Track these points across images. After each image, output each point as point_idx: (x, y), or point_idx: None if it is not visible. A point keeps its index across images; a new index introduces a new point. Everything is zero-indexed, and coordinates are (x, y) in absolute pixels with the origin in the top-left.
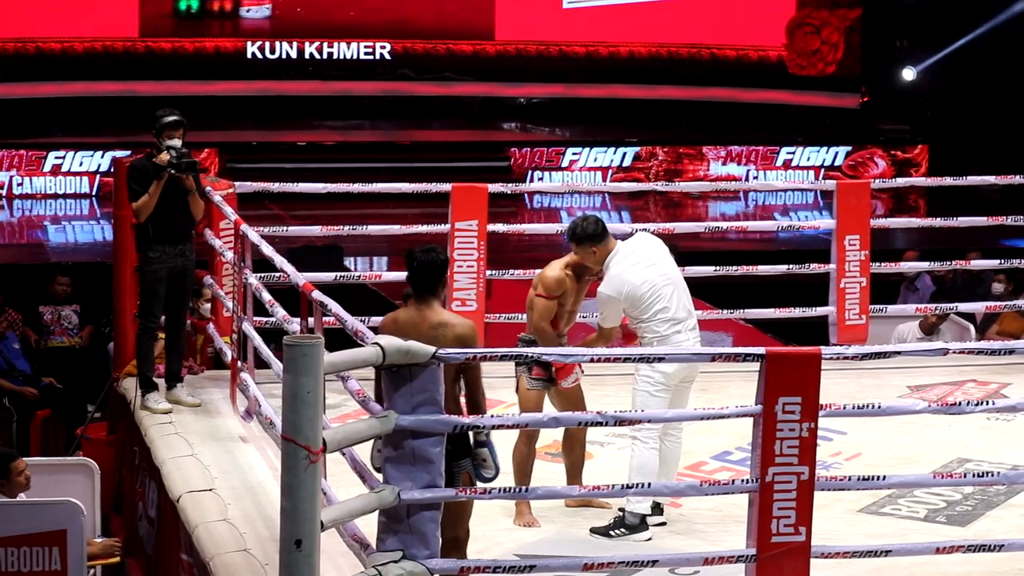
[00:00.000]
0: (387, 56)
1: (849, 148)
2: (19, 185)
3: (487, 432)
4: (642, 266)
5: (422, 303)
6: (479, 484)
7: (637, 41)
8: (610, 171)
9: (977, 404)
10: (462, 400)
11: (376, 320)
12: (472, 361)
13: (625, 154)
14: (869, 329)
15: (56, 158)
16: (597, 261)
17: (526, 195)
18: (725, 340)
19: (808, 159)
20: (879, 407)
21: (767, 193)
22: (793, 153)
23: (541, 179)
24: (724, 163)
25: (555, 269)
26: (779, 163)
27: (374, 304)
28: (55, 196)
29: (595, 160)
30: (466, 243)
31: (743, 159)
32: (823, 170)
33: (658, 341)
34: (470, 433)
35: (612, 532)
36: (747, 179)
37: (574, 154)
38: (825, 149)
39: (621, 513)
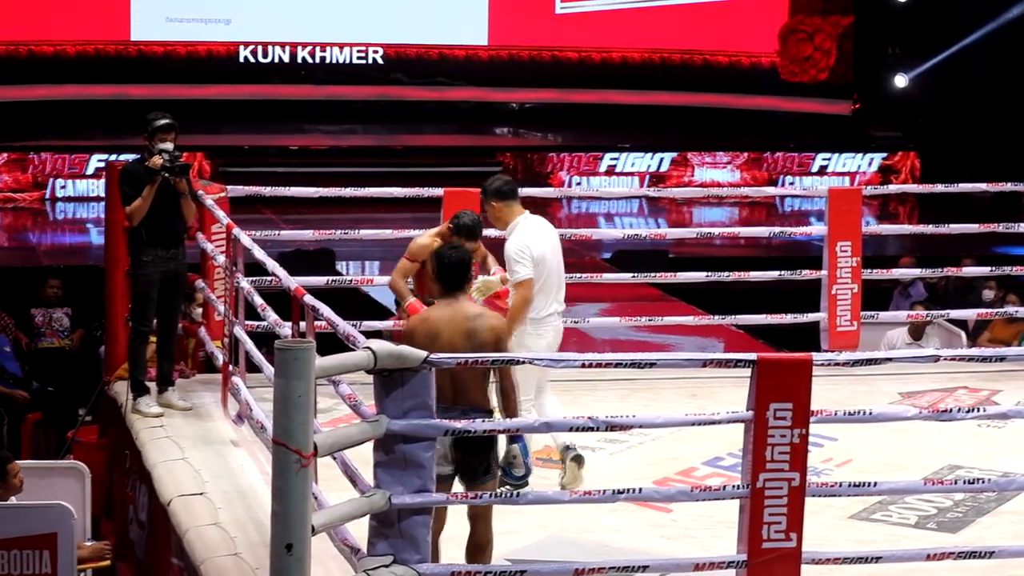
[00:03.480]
0: (380, 60)
1: (884, 155)
2: (62, 188)
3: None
4: (544, 241)
5: (453, 299)
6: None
7: (630, 47)
8: (647, 176)
9: (968, 411)
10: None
11: (369, 324)
12: (465, 367)
13: (663, 159)
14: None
15: (99, 161)
16: (502, 219)
17: (564, 200)
18: (716, 346)
19: (844, 165)
20: (870, 413)
21: (801, 199)
22: (828, 160)
23: (579, 184)
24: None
25: (424, 236)
26: (815, 169)
27: (366, 308)
28: (99, 199)
29: (632, 165)
30: None
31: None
32: (858, 176)
33: (534, 313)
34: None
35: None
36: (782, 185)
37: (612, 159)
38: (860, 155)
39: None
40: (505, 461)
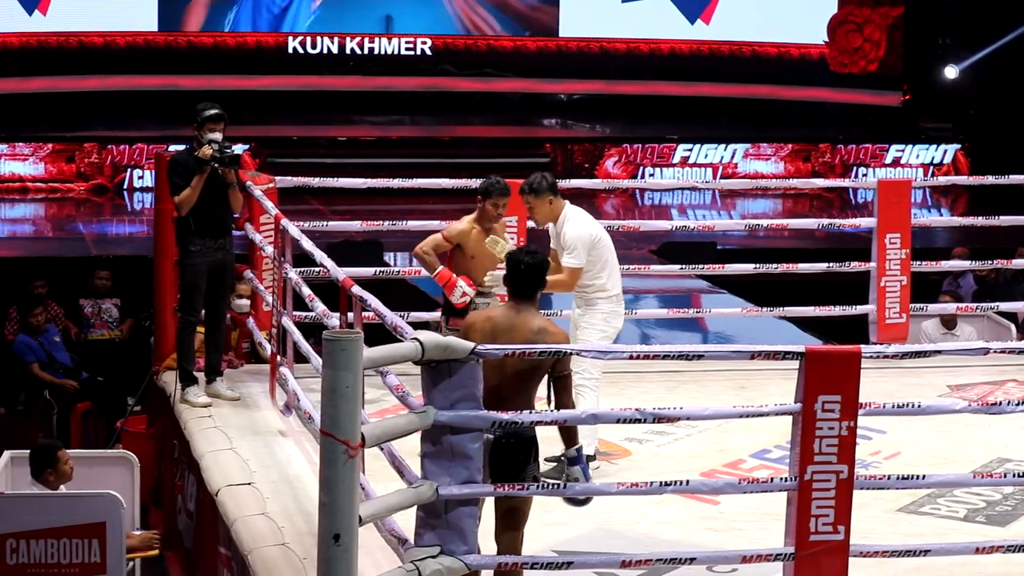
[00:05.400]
0: (428, 52)
1: (959, 146)
2: (140, 179)
3: (579, 449)
4: (597, 225)
5: (520, 306)
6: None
7: (678, 38)
8: (720, 167)
9: (1018, 404)
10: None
11: (416, 315)
12: (512, 358)
13: (736, 151)
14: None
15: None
16: (551, 213)
17: (637, 192)
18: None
19: (917, 157)
20: (919, 406)
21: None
22: (902, 151)
23: (652, 175)
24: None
25: (463, 222)
26: (888, 160)
27: (413, 299)
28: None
29: (706, 157)
30: None
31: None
32: (932, 168)
33: (603, 293)
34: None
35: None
36: (856, 177)
37: (685, 150)
38: (934, 147)
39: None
40: (567, 483)
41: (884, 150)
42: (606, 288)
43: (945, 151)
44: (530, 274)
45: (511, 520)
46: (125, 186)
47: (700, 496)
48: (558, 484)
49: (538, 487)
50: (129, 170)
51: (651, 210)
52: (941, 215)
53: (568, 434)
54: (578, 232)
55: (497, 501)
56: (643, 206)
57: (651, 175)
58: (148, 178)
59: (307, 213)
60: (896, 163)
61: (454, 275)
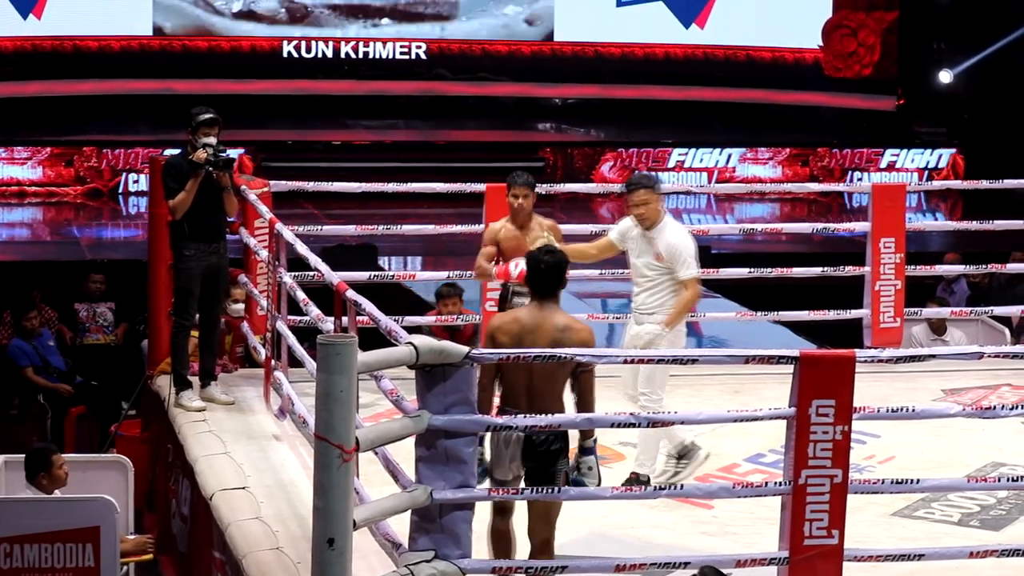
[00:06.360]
0: (423, 56)
1: (953, 150)
2: (135, 183)
3: (595, 440)
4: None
5: (544, 305)
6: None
7: (673, 42)
8: (715, 171)
9: (1012, 408)
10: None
11: (411, 319)
12: (508, 362)
13: (731, 155)
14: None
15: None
16: (657, 210)
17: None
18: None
19: (912, 161)
20: (913, 410)
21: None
22: (897, 155)
23: None
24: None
25: (496, 223)
26: (883, 165)
27: (408, 304)
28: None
29: (701, 161)
30: None
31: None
32: (927, 172)
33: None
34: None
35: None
36: (851, 181)
37: (680, 155)
38: (929, 151)
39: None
40: (578, 471)
41: (879, 154)
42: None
43: (940, 155)
44: (550, 273)
45: (547, 514)
46: (120, 190)
47: (694, 500)
48: (565, 474)
49: (533, 490)
50: (124, 174)
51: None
52: (936, 219)
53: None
54: (684, 240)
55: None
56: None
57: None
58: (143, 182)
59: (302, 217)
60: (891, 167)
61: (502, 263)
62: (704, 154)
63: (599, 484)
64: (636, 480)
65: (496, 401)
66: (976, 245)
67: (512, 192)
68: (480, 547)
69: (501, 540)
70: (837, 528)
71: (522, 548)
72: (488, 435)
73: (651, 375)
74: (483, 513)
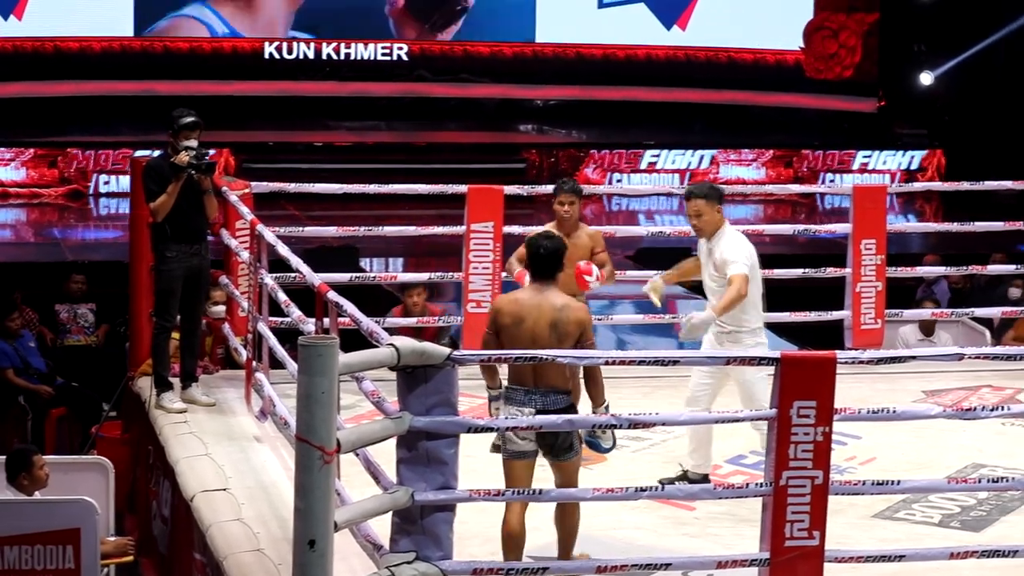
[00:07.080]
0: (404, 57)
1: (925, 152)
2: (106, 184)
3: (607, 406)
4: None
5: (543, 287)
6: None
7: (654, 44)
8: (687, 173)
9: (992, 409)
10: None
11: (392, 321)
12: (489, 362)
13: (703, 157)
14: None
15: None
16: (712, 221)
17: (605, 197)
18: None
19: (884, 163)
20: (894, 411)
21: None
22: (869, 157)
23: (620, 181)
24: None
25: (544, 227)
26: (855, 167)
27: (389, 305)
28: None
29: (673, 162)
30: (482, 245)
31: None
32: (899, 173)
33: (755, 309)
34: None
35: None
36: (823, 183)
37: (653, 156)
38: (902, 153)
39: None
40: (591, 434)
41: (854, 156)
42: (750, 322)
43: (920, 157)
44: (549, 257)
45: (570, 481)
46: (98, 191)
47: (676, 502)
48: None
49: (512, 492)
50: (105, 175)
51: (618, 215)
52: (917, 221)
53: (595, 393)
54: (737, 245)
55: (554, 467)
56: (610, 211)
57: (618, 181)
58: (124, 183)
59: (283, 218)
60: (865, 168)
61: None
62: (677, 155)
63: (614, 445)
64: (702, 479)
65: (503, 381)
66: (957, 247)
67: (558, 200)
68: (461, 548)
69: (512, 538)
70: (818, 529)
71: (530, 539)
72: (502, 406)
73: (756, 396)
74: (484, 513)
